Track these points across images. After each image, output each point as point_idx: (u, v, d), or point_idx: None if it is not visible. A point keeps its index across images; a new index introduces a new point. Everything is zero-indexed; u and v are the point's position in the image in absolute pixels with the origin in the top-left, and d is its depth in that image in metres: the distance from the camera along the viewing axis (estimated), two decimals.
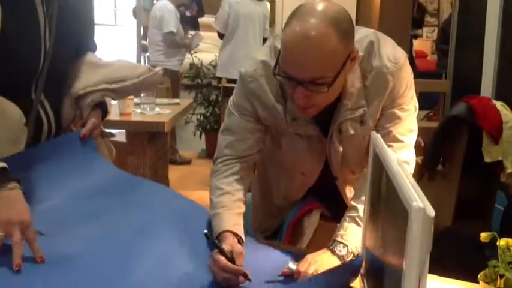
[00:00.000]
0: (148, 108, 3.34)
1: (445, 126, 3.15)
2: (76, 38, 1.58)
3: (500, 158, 3.07)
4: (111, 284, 1.22)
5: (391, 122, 1.49)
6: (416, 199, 0.85)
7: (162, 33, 5.15)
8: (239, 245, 1.36)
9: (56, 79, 1.52)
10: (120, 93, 1.68)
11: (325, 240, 1.49)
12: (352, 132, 1.50)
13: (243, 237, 1.41)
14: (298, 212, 1.72)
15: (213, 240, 1.34)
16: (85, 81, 1.58)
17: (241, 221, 1.45)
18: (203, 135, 5.57)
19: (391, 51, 1.46)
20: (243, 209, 1.48)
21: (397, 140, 1.50)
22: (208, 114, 5.54)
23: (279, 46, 1.42)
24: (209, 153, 5.54)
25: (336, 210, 1.60)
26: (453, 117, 3.14)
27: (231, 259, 1.29)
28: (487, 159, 3.00)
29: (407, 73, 1.48)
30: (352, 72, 1.42)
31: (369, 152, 1.34)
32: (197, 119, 5.54)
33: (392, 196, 1.00)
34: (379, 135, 1.30)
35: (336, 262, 1.39)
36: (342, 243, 1.42)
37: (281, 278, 1.36)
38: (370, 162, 1.32)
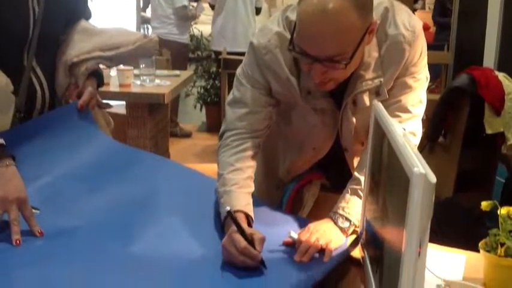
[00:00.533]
0: (148, 80, 3.32)
1: (447, 97, 3.13)
2: (67, 4, 1.56)
3: (501, 130, 3.05)
4: (112, 257, 1.22)
5: (402, 92, 1.46)
6: (418, 165, 0.84)
7: (174, 7, 5.11)
8: (260, 233, 1.29)
9: (48, 46, 1.50)
10: (115, 61, 1.66)
11: (326, 210, 1.48)
12: (367, 103, 1.44)
13: (253, 217, 1.38)
14: (298, 183, 1.70)
15: (235, 220, 1.27)
16: (79, 48, 1.56)
17: (251, 200, 1.40)
18: (203, 108, 5.55)
19: (407, 19, 1.41)
20: (252, 188, 1.45)
21: (406, 111, 1.46)
22: (208, 87, 5.51)
23: (292, 17, 1.37)
24: (209, 126, 5.54)
25: (338, 180, 1.59)
26: (455, 89, 3.11)
27: (250, 242, 1.23)
28: (489, 131, 2.99)
29: (423, 41, 1.44)
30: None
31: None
32: (197, 92, 5.52)
33: (393, 164, 0.99)
34: (380, 104, 1.28)
35: (338, 233, 1.38)
36: (345, 216, 1.41)
37: (282, 247, 1.35)
38: (371, 132, 1.31)
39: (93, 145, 1.56)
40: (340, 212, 1.42)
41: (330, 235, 1.35)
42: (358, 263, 1.32)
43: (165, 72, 3.70)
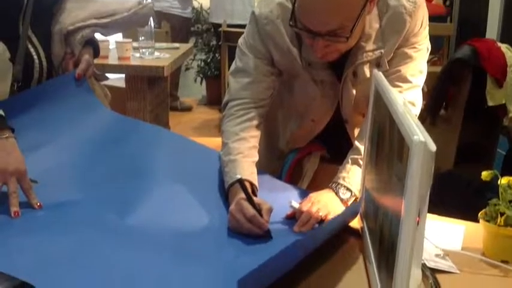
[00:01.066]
0: (147, 53, 3.29)
1: (449, 69, 3.11)
2: None
3: (503, 102, 3.04)
4: (112, 228, 1.22)
5: (402, 62, 1.46)
6: (418, 133, 0.83)
7: None
8: (267, 203, 1.30)
9: (42, 15, 1.49)
10: (111, 29, 1.64)
11: (326, 182, 1.48)
12: (368, 75, 1.45)
13: (258, 186, 1.39)
14: (298, 154, 1.70)
15: (244, 188, 1.27)
16: (74, 16, 1.54)
17: (255, 170, 1.42)
18: (204, 82, 5.52)
19: None
20: (257, 157, 1.45)
21: (406, 81, 1.46)
22: (208, 60, 5.47)
23: None
24: (209, 99, 5.51)
25: (338, 151, 1.58)
26: (457, 60, 3.09)
27: (258, 211, 1.24)
28: (490, 103, 2.97)
29: (424, 11, 1.43)
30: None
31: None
32: (198, 66, 5.48)
33: (393, 133, 0.98)
34: (381, 74, 1.26)
35: (339, 204, 1.38)
36: (346, 186, 1.40)
37: (282, 217, 1.35)
38: (371, 101, 1.29)
39: (92, 115, 1.55)
40: (341, 182, 1.42)
41: (331, 206, 1.35)
42: (356, 234, 1.32)
43: (164, 45, 3.66)
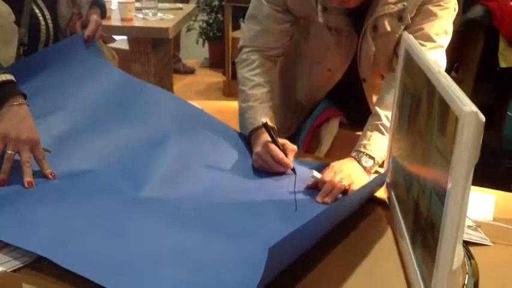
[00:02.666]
0: (150, 14, 3.20)
1: (461, 30, 3.02)
2: None
3: None
4: (127, 198, 1.18)
5: (426, 19, 1.39)
6: (468, 103, 0.77)
7: None
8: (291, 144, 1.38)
9: None
10: None
11: (345, 149, 1.43)
12: (388, 29, 1.40)
13: (276, 129, 1.42)
14: (316, 120, 1.64)
15: (269, 131, 1.34)
16: None
17: (273, 114, 1.46)
18: (206, 44, 5.40)
19: None
20: (273, 102, 1.49)
21: (430, 39, 1.39)
22: (211, 21, 5.34)
23: None
24: (212, 62, 5.41)
25: (356, 117, 1.53)
26: (469, 21, 3.01)
27: (283, 151, 1.33)
28: (503, 65, 2.91)
29: None
30: None
31: (397, 53, 1.24)
32: (200, 26, 5.36)
33: (433, 103, 0.92)
34: (411, 36, 1.20)
35: (362, 172, 1.33)
36: (367, 154, 1.35)
37: (305, 189, 1.30)
38: (400, 64, 1.22)
39: (103, 78, 1.48)
40: (363, 149, 1.37)
41: (354, 176, 1.30)
42: (383, 204, 1.27)
43: (167, 5, 3.55)
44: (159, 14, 3.23)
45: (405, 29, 1.38)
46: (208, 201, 1.21)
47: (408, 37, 1.18)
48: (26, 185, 1.16)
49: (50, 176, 1.20)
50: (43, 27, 1.41)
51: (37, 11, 1.40)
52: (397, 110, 1.25)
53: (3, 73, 1.21)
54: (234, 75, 4.67)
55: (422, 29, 1.40)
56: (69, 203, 1.14)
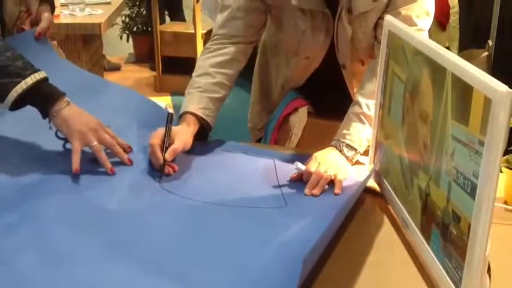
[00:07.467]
0: (78, 9, 3.02)
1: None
2: None
3: (446, 45, 3.05)
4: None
5: (406, 1, 1.35)
6: (498, 83, 0.73)
7: None
8: (187, 142, 1.30)
9: None
10: None
11: (316, 138, 1.40)
12: (363, 9, 1.36)
13: (211, 121, 1.36)
14: (284, 111, 1.59)
15: (169, 119, 1.30)
16: None
17: (212, 106, 1.37)
18: (130, 38, 5.22)
19: None
20: (220, 94, 1.40)
21: (412, 23, 1.35)
22: (133, 15, 5.16)
23: None
24: (138, 57, 5.23)
25: (333, 105, 1.49)
26: None
27: (170, 145, 1.26)
28: None
29: None
30: None
31: (378, 38, 1.21)
32: (122, 21, 5.16)
33: (441, 85, 0.88)
34: (397, 20, 1.16)
35: (345, 162, 1.30)
36: (348, 144, 1.32)
37: (289, 182, 1.25)
38: (384, 50, 1.19)
39: (60, 74, 1.37)
40: (342, 140, 1.33)
41: (338, 165, 1.26)
42: (370, 192, 1.24)
43: (95, 0, 3.38)
44: (87, 10, 3.07)
45: (384, 12, 1.34)
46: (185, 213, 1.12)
47: (393, 21, 1.15)
48: (109, 171, 1.21)
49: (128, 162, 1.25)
50: None
51: None
52: (382, 98, 1.21)
53: (35, 71, 1.18)
54: (165, 70, 4.55)
55: (404, 12, 1.36)
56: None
